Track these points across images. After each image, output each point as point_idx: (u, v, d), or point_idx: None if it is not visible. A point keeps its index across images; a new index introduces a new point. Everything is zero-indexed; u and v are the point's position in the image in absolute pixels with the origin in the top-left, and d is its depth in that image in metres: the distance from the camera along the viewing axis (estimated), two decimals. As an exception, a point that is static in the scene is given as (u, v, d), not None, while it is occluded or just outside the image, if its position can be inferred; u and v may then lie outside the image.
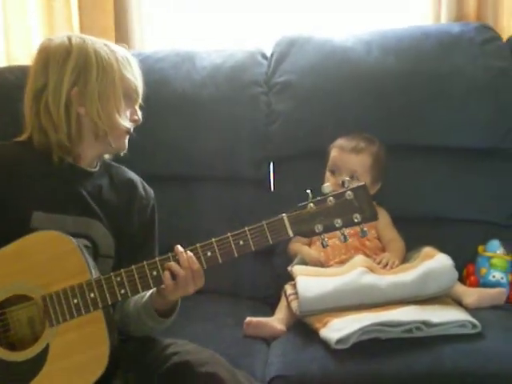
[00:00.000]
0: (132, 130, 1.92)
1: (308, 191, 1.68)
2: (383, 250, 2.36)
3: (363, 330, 1.92)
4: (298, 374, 1.91)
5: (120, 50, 1.89)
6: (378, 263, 2.23)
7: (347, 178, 1.71)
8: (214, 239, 1.69)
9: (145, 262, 1.69)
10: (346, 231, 1.70)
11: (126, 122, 1.88)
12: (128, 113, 1.90)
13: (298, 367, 1.92)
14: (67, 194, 1.85)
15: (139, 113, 1.94)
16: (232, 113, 2.56)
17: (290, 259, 2.38)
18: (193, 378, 1.69)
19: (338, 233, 1.71)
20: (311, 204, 1.68)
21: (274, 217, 1.68)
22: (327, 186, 1.68)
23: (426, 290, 2.08)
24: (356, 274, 2.11)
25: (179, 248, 1.70)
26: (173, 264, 1.68)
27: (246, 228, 1.68)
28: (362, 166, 2.34)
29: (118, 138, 1.89)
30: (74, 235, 1.75)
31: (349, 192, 1.67)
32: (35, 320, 1.69)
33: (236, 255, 1.69)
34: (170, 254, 1.70)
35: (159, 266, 1.69)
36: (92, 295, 1.66)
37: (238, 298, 2.46)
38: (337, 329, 1.95)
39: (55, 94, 1.82)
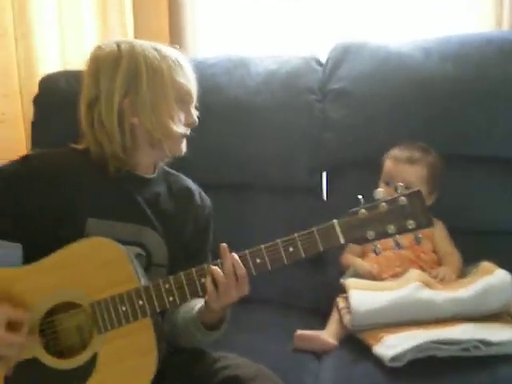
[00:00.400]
0: (189, 132, 1.87)
1: (359, 197, 1.61)
2: (439, 263, 2.27)
3: (419, 348, 1.83)
4: (349, 390, 1.84)
5: (171, 53, 1.83)
6: (434, 277, 2.14)
7: (401, 184, 1.62)
8: (263, 246, 1.63)
9: (193, 269, 1.64)
10: (401, 239, 1.62)
11: (180, 128, 1.82)
12: (182, 117, 1.83)
13: (350, 383, 1.85)
14: (123, 202, 1.80)
15: (195, 114, 1.87)
16: (286, 120, 2.50)
17: (342, 269, 2.31)
18: None
19: (391, 244, 1.63)
20: (363, 210, 1.60)
21: (325, 223, 1.62)
22: (379, 192, 1.61)
23: (484, 307, 1.97)
24: (411, 288, 2.02)
25: (225, 248, 1.64)
26: (216, 269, 1.63)
27: (296, 234, 1.62)
28: (417, 177, 2.26)
29: (173, 143, 1.84)
30: (128, 243, 1.72)
31: (402, 198, 1.59)
32: (83, 328, 1.66)
33: (286, 262, 1.62)
34: (219, 261, 1.65)
35: (208, 273, 1.64)
36: (140, 302, 1.62)
37: (289, 308, 2.39)
38: (391, 345, 1.87)
39: (107, 105, 1.76)
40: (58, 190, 1.75)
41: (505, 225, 2.40)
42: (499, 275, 2.02)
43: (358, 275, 2.22)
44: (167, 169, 1.96)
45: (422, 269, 2.20)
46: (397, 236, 1.61)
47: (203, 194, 1.96)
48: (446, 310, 1.98)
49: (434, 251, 2.30)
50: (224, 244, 1.65)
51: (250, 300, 2.35)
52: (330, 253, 2.41)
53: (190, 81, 1.84)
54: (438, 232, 2.30)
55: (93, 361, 1.62)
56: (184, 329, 1.78)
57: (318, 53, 2.65)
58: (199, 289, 1.63)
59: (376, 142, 2.42)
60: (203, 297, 1.68)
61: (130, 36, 2.88)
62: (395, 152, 2.31)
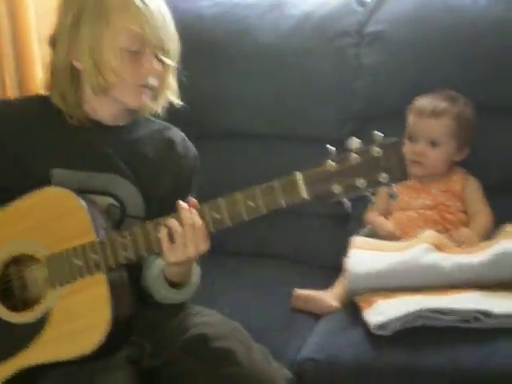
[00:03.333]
0: (150, 82, 1.66)
1: (329, 146, 1.44)
2: (468, 224, 2.05)
3: (408, 317, 1.66)
4: (329, 358, 1.71)
5: None
6: (454, 240, 1.94)
7: (377, 133, 1.43)
8: (221, 199, 1.49)
9: (147, 222, 1.53)
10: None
11: (134, 78, 1.64)
12: (137, 65, 1.64)
13: (331, 351, 1.72)
14: (90, 151, 1.68)
15: (152, 62, 1.65)
16: (316, 66, 2.32)
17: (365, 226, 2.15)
18: (205, 351, 1.56)
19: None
20: (331, 161, 1.43)
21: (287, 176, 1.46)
22: (353, 141, 1.43)
23: (497, 275, 1.77)
24: (417, 251, 1.83)
25: (182, 204, 1.52)
26: (173, 220, 1.51)
27: (256, 188, 1.47)
28: (443, 132, 2.04)
29: (128, 94, 1.66)
30: (99, 193, 1.64)
31: (377, 149, 1.41)
32: (39, 281, 1.59)
33: (247, 219, 1.48)
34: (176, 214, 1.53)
35: (163, 225, 1.52)
36: (95, 257, 1.53)
37: (306, 265, 2.24)
38: (380, 312, 1.71)
39: (59, 46, 1.65)
40: (17, 138, 1.66)
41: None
42: (517, 240, 1.81)
43: (376, 235, 2.05)
44: (151, 118, 1.80)
45: (447, 230, 2.01)
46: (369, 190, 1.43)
47: (188, 143, 1.80)
48: (452, 276, 1.79)
49: (465, 211, 2.08)
50: (180, 201, 1.53)
51: (259, 254, 2.25)
52: (354, 207, 2.25)
53: (144, 25, 1.61)
54: (469, 190, 2.08)
55: (45, 316, 1.54)
56: (153, 285, 1.68)
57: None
58: (154, 243, 1.52)
59: (413, 90, 2.19)
60: (159, 253, 1.57)
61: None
62: (418, 104, 2.09)
